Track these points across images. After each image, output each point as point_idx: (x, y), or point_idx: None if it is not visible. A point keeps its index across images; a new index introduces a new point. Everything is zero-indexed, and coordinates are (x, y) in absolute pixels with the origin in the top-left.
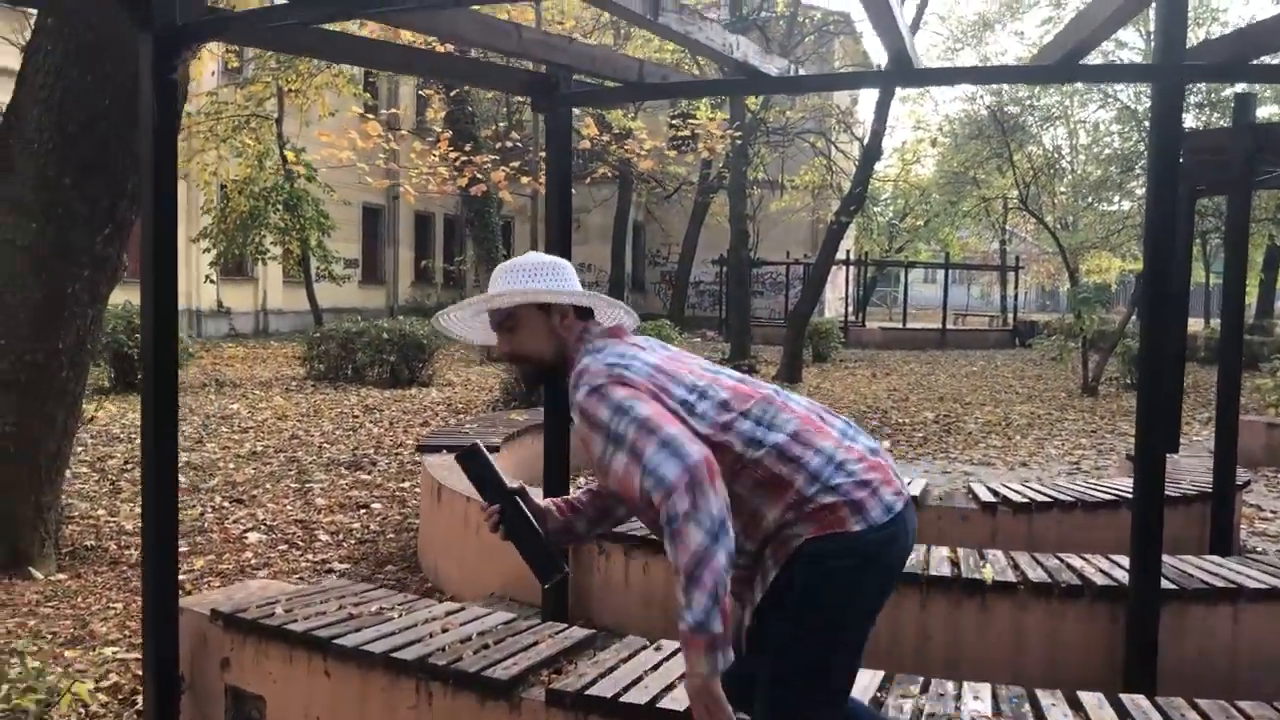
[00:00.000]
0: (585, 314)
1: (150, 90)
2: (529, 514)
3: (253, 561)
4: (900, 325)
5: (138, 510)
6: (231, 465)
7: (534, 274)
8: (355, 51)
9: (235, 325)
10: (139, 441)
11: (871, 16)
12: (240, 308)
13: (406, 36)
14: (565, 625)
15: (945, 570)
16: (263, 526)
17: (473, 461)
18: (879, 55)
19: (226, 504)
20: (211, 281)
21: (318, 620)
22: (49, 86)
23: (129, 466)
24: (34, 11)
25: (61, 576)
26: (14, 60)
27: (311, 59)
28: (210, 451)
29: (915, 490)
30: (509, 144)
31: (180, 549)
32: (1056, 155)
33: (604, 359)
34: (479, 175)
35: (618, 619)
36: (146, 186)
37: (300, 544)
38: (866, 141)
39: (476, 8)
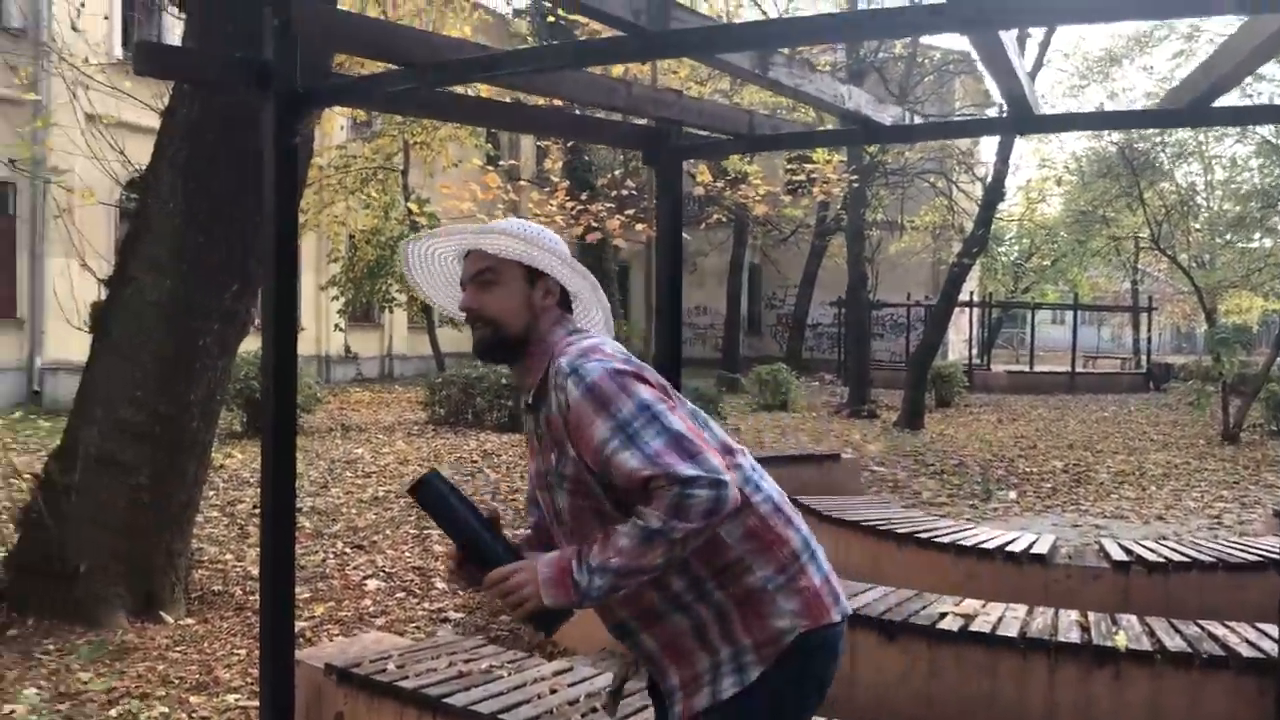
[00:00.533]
0: (565, 303)
1: (272, 153)
2: (503, 549)
3: (371, 609)
4: (1027, 368)
5: None
6: (354, 510)
7: (538, 239)
8: (471, 113)
9: (362, 370)
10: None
11: (987, 63)
12: (367, 353)
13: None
14: None
15: (1075, 636)
16: (382, 573)
17: (427, 492)
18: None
19: (348, 550)
20: (340, 329)
21: (429, 678)
22: (183, 149)
23: (257, 511)
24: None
25: (190, 621)
26: (155, 122)
27: None
28: (334, 496)
29: (1043, 546)
30: (624, 191)
31: (302, 595)
32: (1190, 192)
33: (613, 347)
34: (595, 223)
35: None
36: (268, 245)
37: (417, 592)
38: (989, 182)
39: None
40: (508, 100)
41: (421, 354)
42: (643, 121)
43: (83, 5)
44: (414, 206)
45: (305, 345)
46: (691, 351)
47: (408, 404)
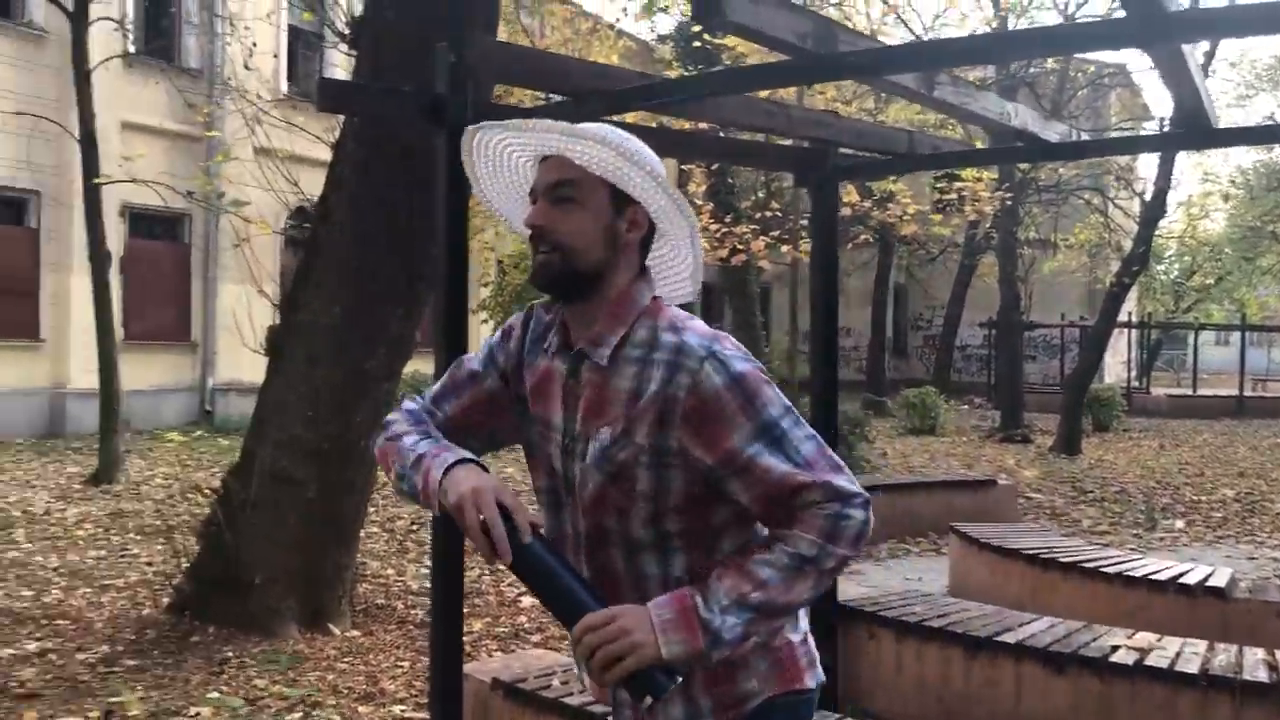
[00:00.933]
0: (646, 247)
1: (445, 183)
2: (597, 596)
3: (526, 625)
4: (1189, 392)
5: (423, 570)
6: None
7: (638, 156)
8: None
9: None
10: None
11: (1163, 72)
12: None
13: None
14: (835, 715)
15: (1262, 675)
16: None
17: (528, 558)
18: (1160, 108)
19: (501, 567)
20: None
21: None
22: (353, 179)
23: (414, 528)
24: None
25: (355, 633)
26: (326, 153)
27: None
28: None
29: (1221, 580)
30: (768, 213)
31: None
32: None
33: (730, 350)
34: (739, 245)
35: (889, 706)
36: (440, 271)
37: None
38: (1149, 198)
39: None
40: (655, 125)
41: None
42: (788, 142)
43: (254, 45)
44: None
45: None
46: None
47: None
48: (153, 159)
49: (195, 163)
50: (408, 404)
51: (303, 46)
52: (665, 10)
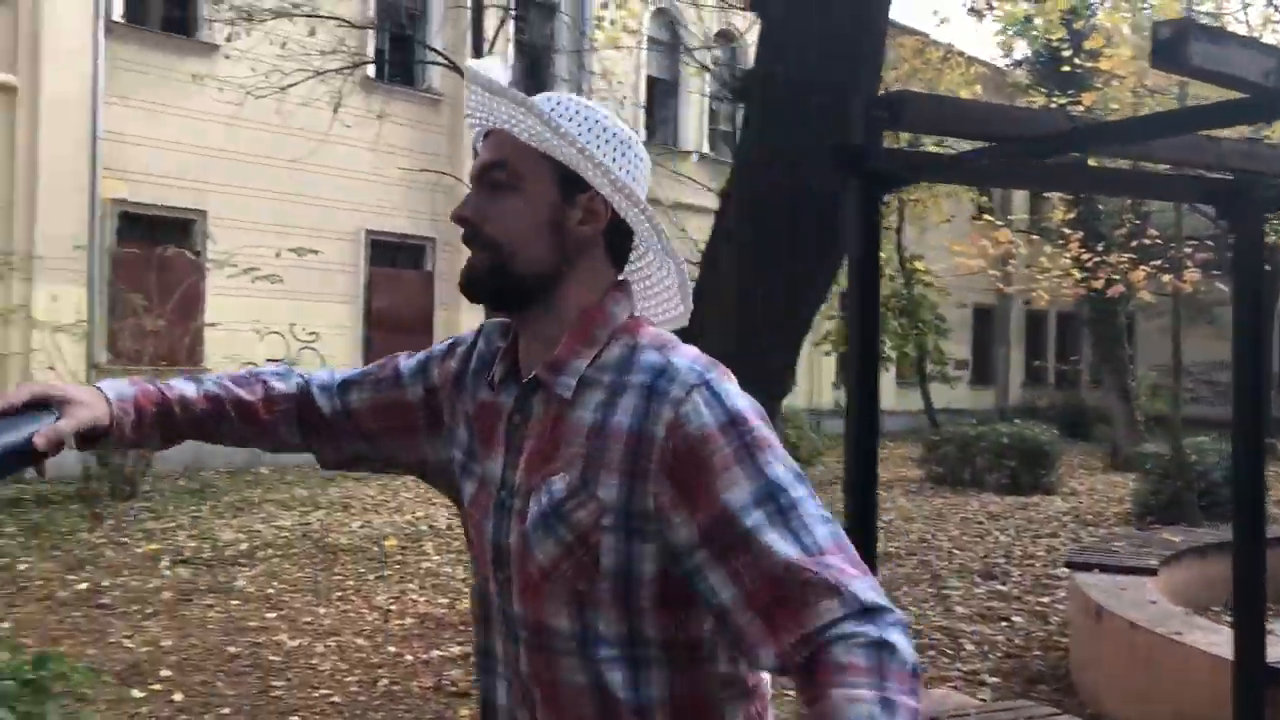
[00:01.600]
0: (619, 254)
1: (857, 229)
2: None
3: None
4: None
5: None
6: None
7: (589, 122)
8: (1038, 178)
9: None
10: None
11: None
12: None
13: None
14: None
15: None
16: (909, 630)
17: None
18: None
19: None
20: (836, 386)
21: None
22: (741, 228)
23: None
24: (725, 160)
25: None
26: (711, 201)
27: None
28: None
29: None
30: (1145, 241)
31: None
32: None
33: (729, 383)
34: (1114, 276)
35: None
36: (854, 314)
37: (948, 652)
38: None
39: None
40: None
41: (910, 409)
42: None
43: (624, 99)
44: (920, 265)
45: (797, 398)
46: (1208, 411)
47: (900, 460)
48: None
49: None
50: (318, 373)
51: (660, 95)
52: (1029, 35)
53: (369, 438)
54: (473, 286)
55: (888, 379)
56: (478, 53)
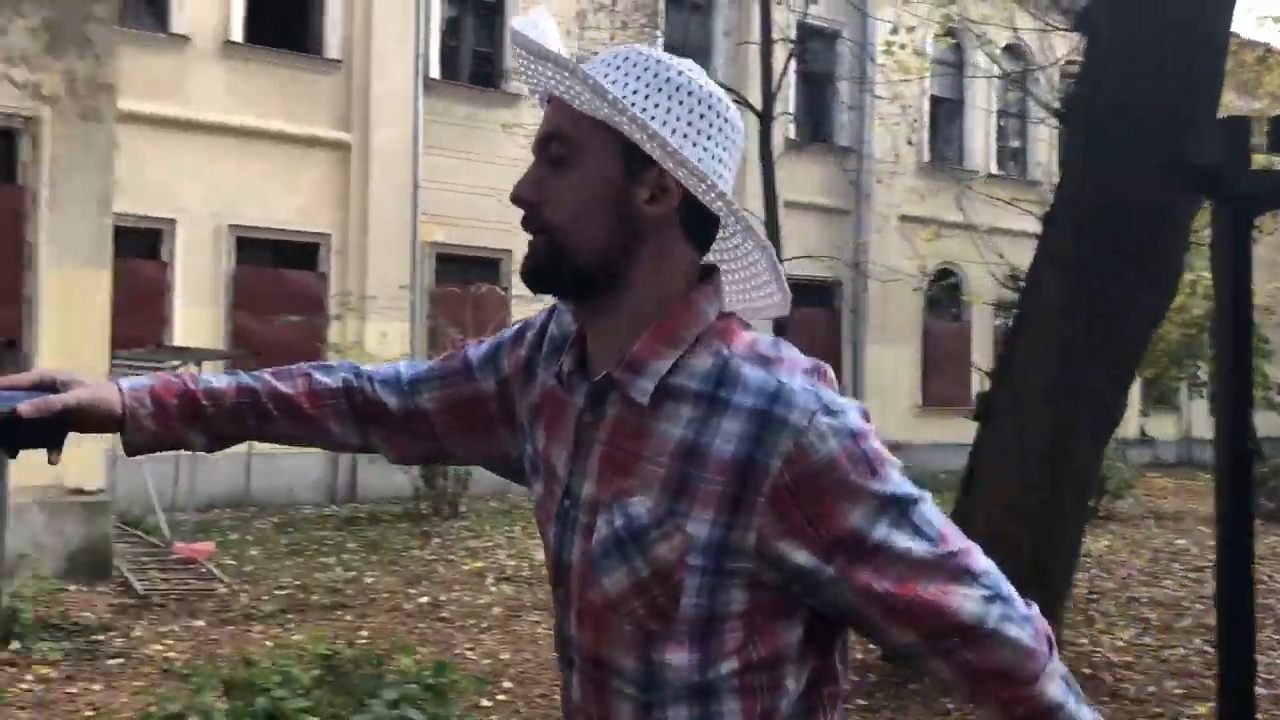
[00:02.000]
0: (702, 236)
1: (1228, 253)
2: None
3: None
4: None
5: (1118, 642)
6: (1199, 607)
7: (664, 85)
8: None
9: (1159, 454)
10: (1093, 570)
11: None
12: (1162, 436)
13: None
14: None
15: None
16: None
17: None
18: None
19: (1209, 649)
20: (1144, 414)
21: None
22: (1065, 249)
23: (1094, 596)
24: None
25: None
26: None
27: None
28: (1168, 588)
29: None
30: None
31: (1176, 690)
32: None
33: (839, 396)
34: None
35: None
36: (1223, 346)
37: None
38: None
39: None
40: None
41: None
42: None
43: (915, 123)
44: None
45: None
46: None
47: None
48: (804, 232)
49: (842, 234)
50: (378, 367)
51: (944, 114)
52: None
53: (443, 436)
54: (534, 275)
55: (1199, 405)
56: (767, 87)
